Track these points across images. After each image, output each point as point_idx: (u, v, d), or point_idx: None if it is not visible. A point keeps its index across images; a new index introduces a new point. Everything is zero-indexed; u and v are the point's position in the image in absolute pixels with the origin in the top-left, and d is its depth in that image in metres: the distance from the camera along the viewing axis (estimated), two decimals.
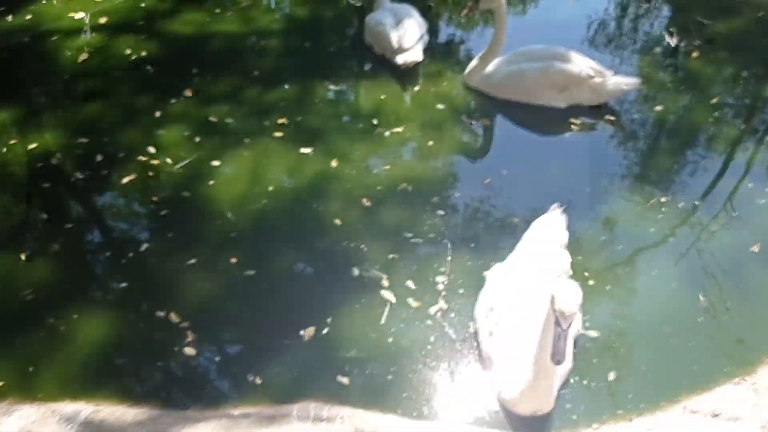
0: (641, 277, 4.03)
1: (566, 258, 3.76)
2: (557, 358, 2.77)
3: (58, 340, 3.68)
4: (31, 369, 3.54)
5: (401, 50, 5.58)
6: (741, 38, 6.12)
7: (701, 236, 4.28)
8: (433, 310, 3.79)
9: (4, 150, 4.94)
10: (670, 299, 3.89)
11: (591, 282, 3.89)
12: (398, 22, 5.73)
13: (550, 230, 3.82)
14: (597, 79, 5.10)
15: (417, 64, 5.64)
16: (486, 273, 3.88)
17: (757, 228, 4.29)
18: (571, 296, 2.81)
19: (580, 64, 5.10)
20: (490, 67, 5.32)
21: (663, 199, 4.52)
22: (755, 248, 4.15)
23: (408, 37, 5.60)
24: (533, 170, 4.80)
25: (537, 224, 3.90)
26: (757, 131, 5.15)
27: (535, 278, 3.52)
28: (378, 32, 5.74)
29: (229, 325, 3.79)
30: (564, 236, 3.85)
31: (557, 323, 2.79)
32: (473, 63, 5.43)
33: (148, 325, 3.74)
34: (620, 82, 5.15)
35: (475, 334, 3.61)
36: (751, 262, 4.09)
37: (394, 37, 5.59)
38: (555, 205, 3.97)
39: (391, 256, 4.10)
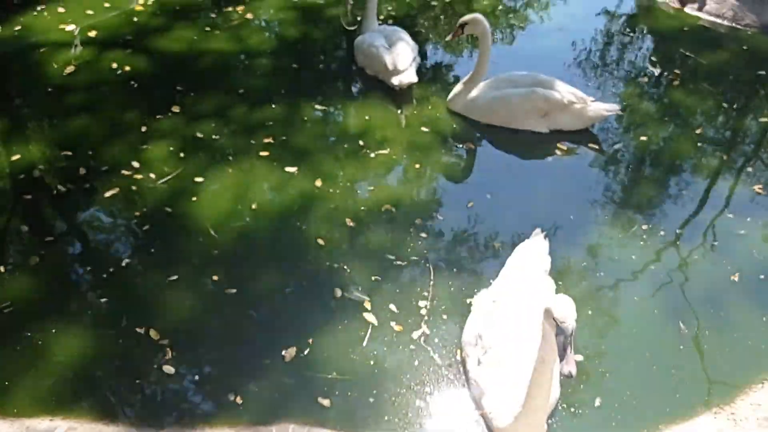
0: (623, 303, 4.06)
1: (550, 284, 3.78)
2: (568, 369, 2.73)
3: (35, 354, 3.62)
4: (6, 383, 3.48)
5: (396, 72, 5.64)
6: (723, 70, 6.25)
7: (682, 264, 4.32)
8: (416, 334, 3.78)
9: None
10: (651, 326, 3.92)
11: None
12: (391, 44, 5.79)
13: (533, 256, 3.83)
14: (578, 105, 5.19)
15: (410, 86, 5.70)
16: (471, 300, 3.88)
17: (736, 257, 4.35)
18: (566, 304, 2.82)
19: (562, 90, 5.19)
20: (474, 93, 5.39)
21: (645, 227, 4.57)
22: (735, 277, 4.20)
23: (402, 58, 5.67)
24: (516, 194, 4.84)
25: (520, 250, 3.92)
26: (737, 163, 5.23)
27: (522, 305, 3.52)
28: (371, 54, 5.79)
29: (209, 343, 3.75)
30: (547, 262, 3.87)
31: (559, 333, 2.79)
32: (457, 88, 5.49)
33: (127, 342, 3.70)
34: (601, 108, 5.25)
35: (463, 361, 3.59)
36: (730, 291, 4.14)
37: (389, 59, 5.65)
38: (537, 230, 4.00)
39: (374, 277, 4.10)
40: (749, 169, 5.15)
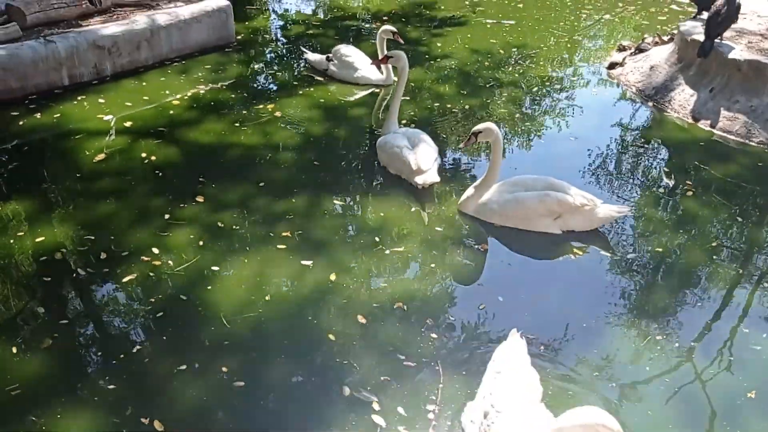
0: (636, 415, 3.94)
1: (536, 382, 3.67)
2: None
3: None
4: None
5: (419, 171, 5.84)
6: (737, 184, 6.34)
7: (697, 378, 4.24)
8: None
9: (12, 241, 5.05)
10: None
11: None
12: (413, 145, 6.02)
13: (514, 359, 3.75)
14: (588, 207, 5.30)
15: (431, 185, 5.85)
16: (465, 405, 3.79)
17: (753, 374, 4.26)
18: (609, 415, 2.82)
19: (573, 192, 5.33)
20: (485, 196, 5.53)
21: (659, 337, 4.51)
22: (752, 395, 4.09)
23: (424, 159, 5.89)
24: (528, 298, 4.83)
25: (498, 354, 3.84)
26: (752, 277, 5.22)
27: (521, 419, 3.41)
28: (395, 154, 6.01)
29: None
30: (527, 361, 3.79)
31: None
32: (468, 192, 5.65)
33: None
34: (611, 209, 5.41)
35: None
36: (747, 408, 4.02)
37: (412, 159, 5.86)
38: (513, 331, 3.97)
39: (383, 377, 4.06)
40: (765, 284, 5.12)
